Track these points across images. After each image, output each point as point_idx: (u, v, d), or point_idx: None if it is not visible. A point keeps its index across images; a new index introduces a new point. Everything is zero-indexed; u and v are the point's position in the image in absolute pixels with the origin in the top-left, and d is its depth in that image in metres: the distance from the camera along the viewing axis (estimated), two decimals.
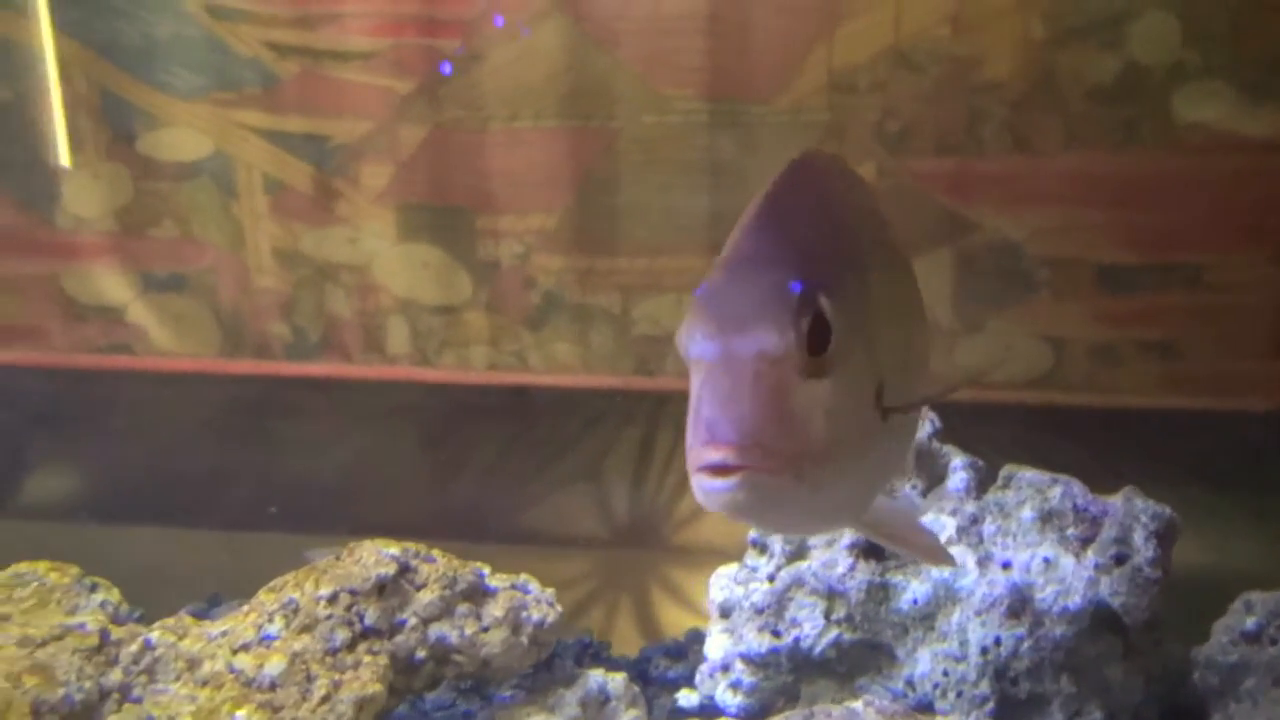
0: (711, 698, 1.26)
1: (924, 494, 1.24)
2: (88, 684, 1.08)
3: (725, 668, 1.24)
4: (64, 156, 1.81)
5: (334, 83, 1.76)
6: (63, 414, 1.86)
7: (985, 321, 1.74)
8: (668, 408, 1.83)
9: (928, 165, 1.71)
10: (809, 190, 0.80)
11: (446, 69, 1.74)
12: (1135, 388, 1.73)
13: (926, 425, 1.25)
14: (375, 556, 1.14)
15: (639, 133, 1.74)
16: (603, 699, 1.19)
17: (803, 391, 0.69)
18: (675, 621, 1.53)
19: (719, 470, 0.67)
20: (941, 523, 1.19)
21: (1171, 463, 1.51)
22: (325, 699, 1.07)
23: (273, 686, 1.08)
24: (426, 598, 1.14)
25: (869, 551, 1.19)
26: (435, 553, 1.19)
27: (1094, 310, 1.71)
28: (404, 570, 1.15)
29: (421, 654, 1.13)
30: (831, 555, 1.19)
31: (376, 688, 1.08)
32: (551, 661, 1.23)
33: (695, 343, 0.70)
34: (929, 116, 1.70)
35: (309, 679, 1.08)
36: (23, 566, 1.21)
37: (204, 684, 1.10)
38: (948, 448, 1.26)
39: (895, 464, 0.89)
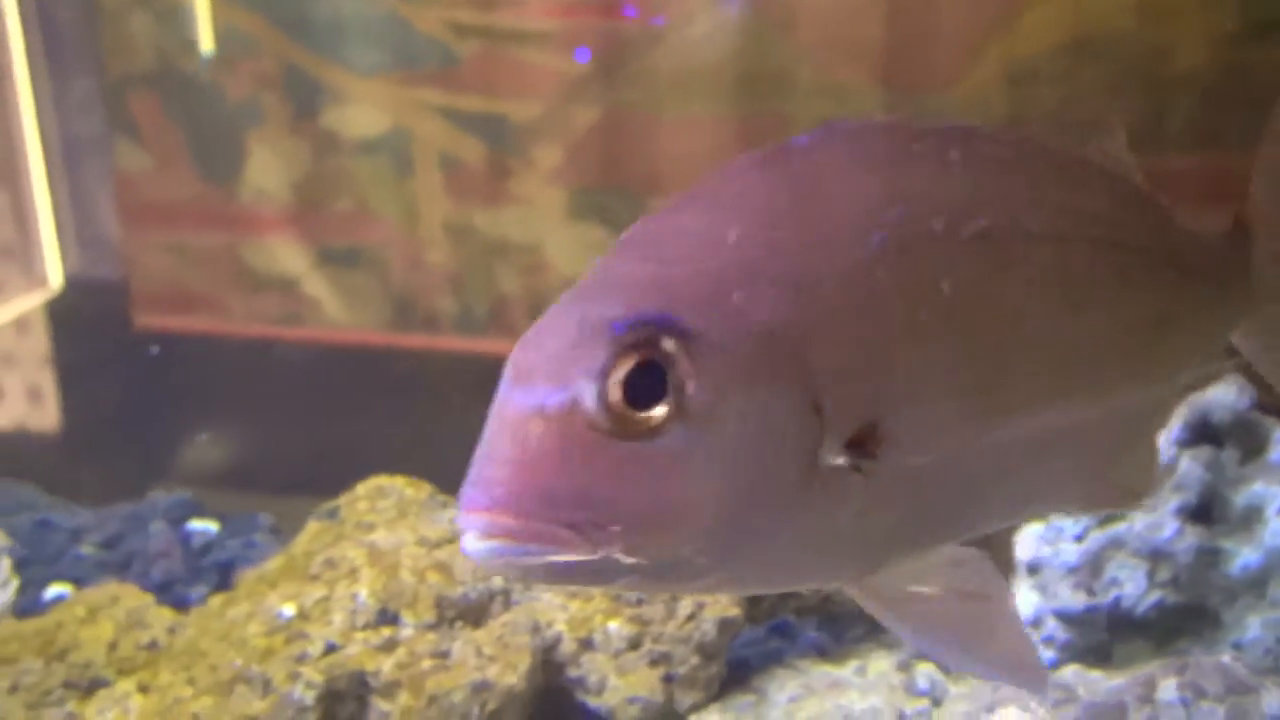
0: None
1: (1240, 463, 1.24)
2: (480, 585, 1.15)
3: (1035, 623, 1.27)
4: (246, 130, 1.86)
5: (512, 63, 1.79)
6: (238, 382, 1.92)
7: None
8: None
9: None
10: (768, 176, 0.64)
11: (583, 56, 1.76)
12: None
13: (1242, 395, 1.25)
14: None
15: (813, 120, 1.73)
16: None
17: (613, 452, 0.55)
18: None
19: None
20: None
21: None
22: (691, 617, 1.15)
23: (639, 602, 1.16)
24: None
25: (1197, 516, 1.20)
26: None
27: None
28: None
29: None
30: (1157, 519, 1.20)
31: (736, 611, 1.17)
32: None
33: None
34: (1111, 109, 1.67)
35: (674, 598, 1.16)
36: (383, 480, 1.29)
37: (573, 596, 1.18)
38: (1269, 419, 1.26)
39: (897, 530, 0.64)
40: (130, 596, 1.21)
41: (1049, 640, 1.27)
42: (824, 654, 1.25)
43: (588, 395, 0.55)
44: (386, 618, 1.11)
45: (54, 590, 1.56)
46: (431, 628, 1.10)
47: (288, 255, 1.90)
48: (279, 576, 1.17)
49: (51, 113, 2.05)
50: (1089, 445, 0.73)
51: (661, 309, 0.56)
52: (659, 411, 0.55)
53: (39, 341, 2.30)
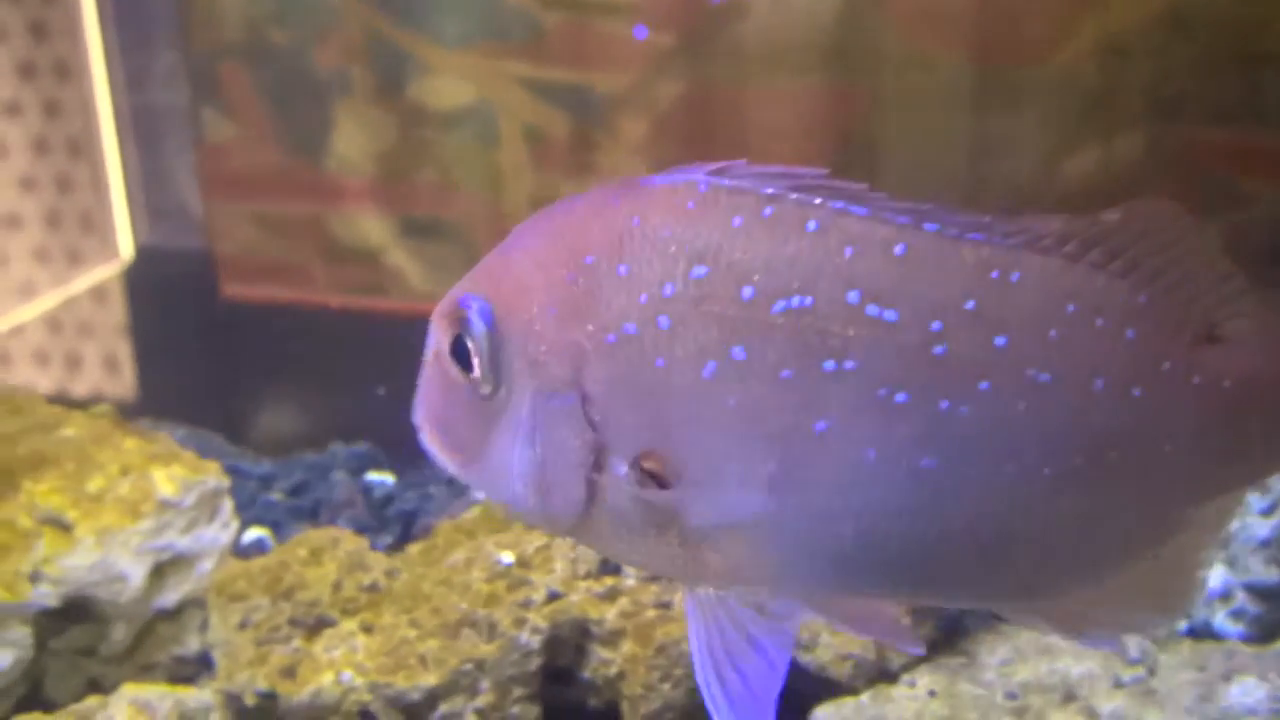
0: (1207, 622, 1.29)
1: None
2: None
3: (1225, 595, 1.27)
4: (333, 101, 1.88)
5: (598, 35, 1.79)
6: (322, 351, 1.93)
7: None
8: None
9: (1202, 135, 1.66)
10: (605, 210, 0.70)
11: (641, 33, 1.75)
12: None
13: None
14: None
15: (902, 93, 1.73)
16: None
17: (462, 396, 0.71)
18: None
19: None
20: None
21: None
22: None
23: None
24: None
25: None
26: None
27: None
28: None
29: None
30: None
31: None
32: None
33: None
34: (1205, 85, 1.65)
35: None
36: None
37: None
38: None
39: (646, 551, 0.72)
40: (348, 540, 1.23)
41: (1238, 614, 1.27)
42: None
43: (439, 347, 0.71)
44: (608, 568, 1.13)
45: (252, 534, 1.59)
46: (652, 579, 1.10)
47: (372, 226, 1.91)
48: (476, 526, 1.19)
49: (135, 86, 2.07)
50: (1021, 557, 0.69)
51: (483, 298, 0.70)
52: (470, 373, 0.70)
53: (118, 311, 2.33)
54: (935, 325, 0.67)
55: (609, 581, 1.11)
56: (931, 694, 1.10)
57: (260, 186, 1.93)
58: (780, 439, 0.67)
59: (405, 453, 1.75)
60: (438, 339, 0.72)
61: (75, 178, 2.33)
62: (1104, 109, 1.69)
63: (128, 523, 1.28)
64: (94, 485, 1.30)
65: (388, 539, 1.58)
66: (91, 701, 1.19)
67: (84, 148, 2.31)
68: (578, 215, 0.72)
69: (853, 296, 0.67)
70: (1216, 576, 1.27)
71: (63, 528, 1.27)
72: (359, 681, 1.09)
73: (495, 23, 1.81)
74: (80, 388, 2.38)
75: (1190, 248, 0.71)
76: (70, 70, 2.26)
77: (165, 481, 1.32)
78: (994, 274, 0.68)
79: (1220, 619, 1.28)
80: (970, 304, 0.67)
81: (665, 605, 1.11)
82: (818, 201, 0.70)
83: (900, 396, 0.67)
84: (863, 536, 0.68)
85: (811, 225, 0.68)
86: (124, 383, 2.36)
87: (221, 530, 1.35)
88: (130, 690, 1.20)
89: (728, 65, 1.76)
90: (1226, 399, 0.71)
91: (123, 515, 1.28)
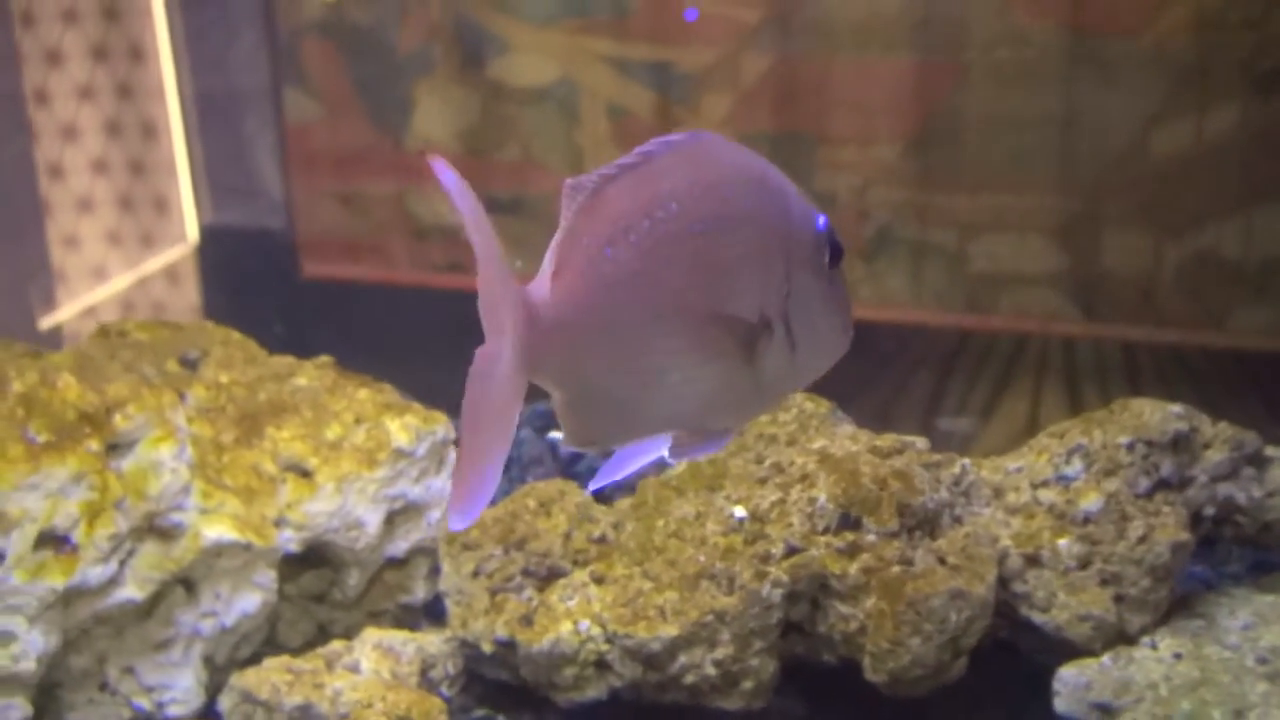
0: None
1: None
2: (938, 494, 1.15)
3: None
4: (415, 79, 1.87)
5: (681, 11, 1.78)
6: (407, 329, 1.94)
7: None
8: (999, 346, 1.81)
9: None
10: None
11: (691, 15, 1.73)
12: None
13: None
14: (1162, 413, 1.19)
15: (992, 66, 1.71)
16: None
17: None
18: None
19: None
20: None
21: None
22: (1143, 539, 1.12)
23: (1087, 521, 1.14)
24: (1215, 457, 1.18)
25: None
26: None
27: None
28: (1192, 428, 1.19)
29: (1210, 510, 1.18)
30: None
31: (1186, 535, 1.13)
32: None
33: None
34: None
35: (1124, 518, 1.14)
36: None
37: (1014, 512, 1.17)
38: None
39: None
40: (574, 491, 1.23)
41: None
42: (1254, 585, 1.21)
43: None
44: (848, 522, 1.10)
45: None
46: (893, 535, 1.09)
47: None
48: (684, 483, 1.17)
49: (214, 67, 2.08)
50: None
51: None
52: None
53: (191, 291, 2.34)
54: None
55: (849, 536, 1.09)
56: (1177, 656, 1.08)
57: (343, 165, 1.93)
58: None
59: None
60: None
61: (148, 161, 2.34)
62: (1199, 82, 1.66)
63: (365, 470, 1.29)
64: (332, 433, 1.32)
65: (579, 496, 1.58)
66: (337, 645, 1.22)
67: (158, 130, 2.33)
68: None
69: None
70: None
71: (304, 474, 1.29)
72: (596, 631, 1.10)
73: (579, 0, 1.80)
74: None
75: None
76: (144, 53, 2.27)
77: (400, 431, 1.33)
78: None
79: None
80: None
81: (909, 562, 1.09)
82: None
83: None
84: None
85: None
86: None
87: (449, 481, 1.35)
88: (373, 634, 1.23)
89: (816, 38, 1.75)
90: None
91: (360, 463, 1.29)
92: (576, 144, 1.86)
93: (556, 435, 1.69)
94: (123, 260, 2.40)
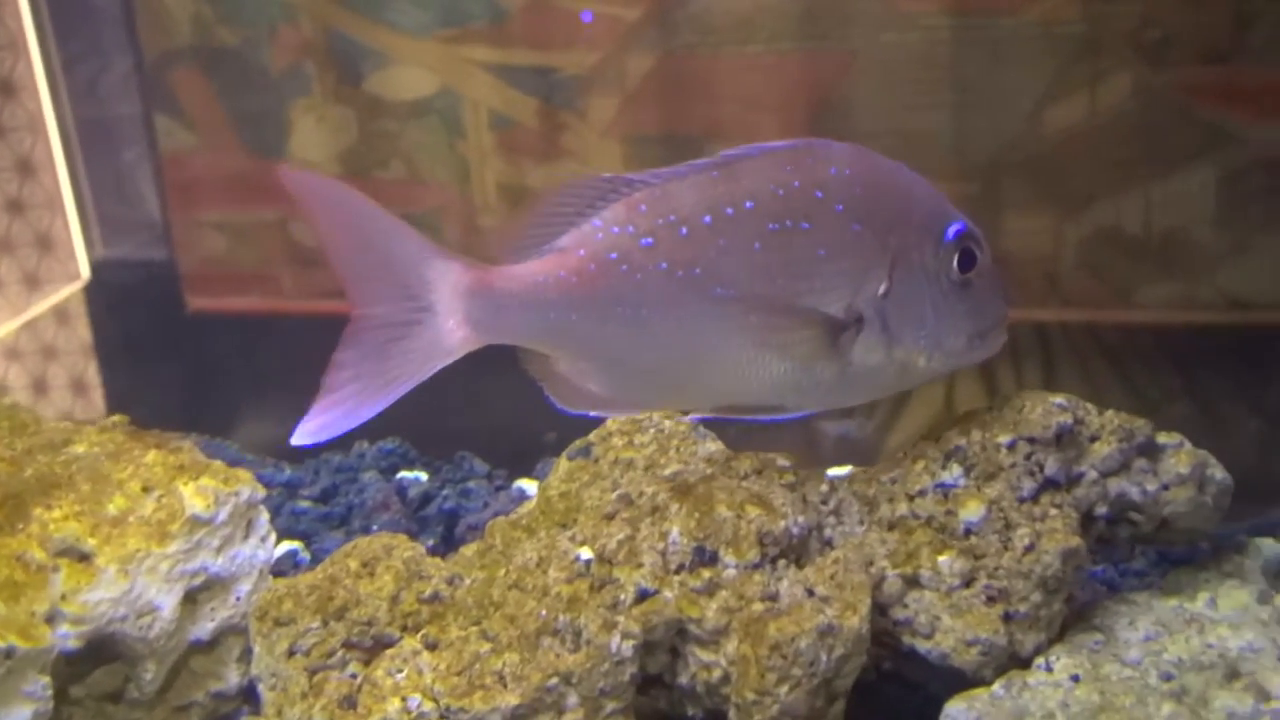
0: None
1: None
2: (803, 517, 1.04)
3: None
4: (291, 100, 1.80)
5: (561, 13, 1.72)
6: (295, 359, 1.86)
7: (1251, 240, 1.65)
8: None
9: (1190, 76, 1.61)
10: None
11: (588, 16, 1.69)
12: None
13: None
14: (1043, 406, 1.08)
15: (879, 53, 1.67)
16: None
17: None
18: None
19: None
20: None
21: None
22: (1030, 549, 1.02)
23: (969, 533, 1.04)
24: (1104, 450, 1.08)
25: None
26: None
27: None
28: (1077, 421, 1.08)
29: (1102, 509, 1.08)
30: None
31: (1076, 540, 1.03)
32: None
33: None
34: (1191, 23, 1.60)
35: (1008, 527, 1.03)
36: (639, 415, 1.16)
37: (890, 528, 1.06)
38: None
39: None
40: (403, 546, 1.09)
41: None
42: (1156, 587, 1.12)
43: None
44: (704, 558, 1.00)
45: (284, 546, 1.46)
46: (755, 567, 0.98)
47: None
48: (536, 522, 1.07)
49: (85, 98, 2.00)
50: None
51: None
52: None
53: (82, 331, 2.25)
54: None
55: (705, 574, 0.98)
56: (1075, 679, 0.99)
57: (221, 193, 1.85)
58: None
59: (437, 447, 1.67)
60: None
61: (27, 199, 2.25)
62: (1088, 55, 1.63)
63: (155, 546, 1.14)
64: (115, 506, 1.16)
65: (430, 542, 1.46)
66: None
67: (35, 167, 2.23)
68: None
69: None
70: None
71: (82, 558, 1.13)
72: (428, 707, 0.98)
73: (455, 8, 1.74)
74: (48, 411, 2.30)
75: None
76: (16, 87, 2.18)
77: (195, 496, 1.18)
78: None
79: None
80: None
81: (773, 596, 0.99)
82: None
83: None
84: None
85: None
86: (93, 404, 2.28)
87: (259, 546, 1.22)
88: None
89: (698, 34, 1.70)
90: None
91: (149, 538, 1.15)
92: (461, 156, 1.80)
93: (406, 476, 1.62)
94: (4, 305, 2.31)
